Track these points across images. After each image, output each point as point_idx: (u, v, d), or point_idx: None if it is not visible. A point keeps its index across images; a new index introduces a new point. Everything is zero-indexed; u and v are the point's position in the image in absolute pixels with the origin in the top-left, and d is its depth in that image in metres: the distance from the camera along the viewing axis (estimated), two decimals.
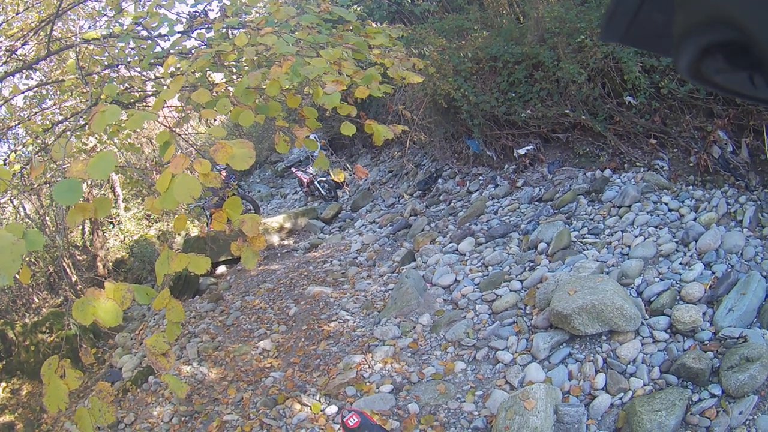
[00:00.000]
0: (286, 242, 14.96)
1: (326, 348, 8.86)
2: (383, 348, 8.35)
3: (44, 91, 9.53)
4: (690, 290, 7.13)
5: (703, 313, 6.85)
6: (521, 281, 8.83)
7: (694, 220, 8.43)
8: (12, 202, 14.02)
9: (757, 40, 0.82)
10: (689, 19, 0.90)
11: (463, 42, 12.69)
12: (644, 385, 6.34)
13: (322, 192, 17.50)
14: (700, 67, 0.93)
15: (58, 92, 9.17)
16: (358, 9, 12.72)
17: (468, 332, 8.18)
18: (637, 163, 10.02)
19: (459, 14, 13.54)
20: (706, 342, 6.56)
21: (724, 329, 6.55)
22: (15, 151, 10.45)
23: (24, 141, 10.90)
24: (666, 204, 8.97)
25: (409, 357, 8.13)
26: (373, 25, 7.59)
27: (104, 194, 18.22)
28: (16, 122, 9.64)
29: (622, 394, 6.31)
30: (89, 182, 14.56)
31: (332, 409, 7.43)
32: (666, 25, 0.98)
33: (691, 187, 9.15)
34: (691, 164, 9.37)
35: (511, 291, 8.68)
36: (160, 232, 18.62)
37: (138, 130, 9.55)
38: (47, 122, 9.28)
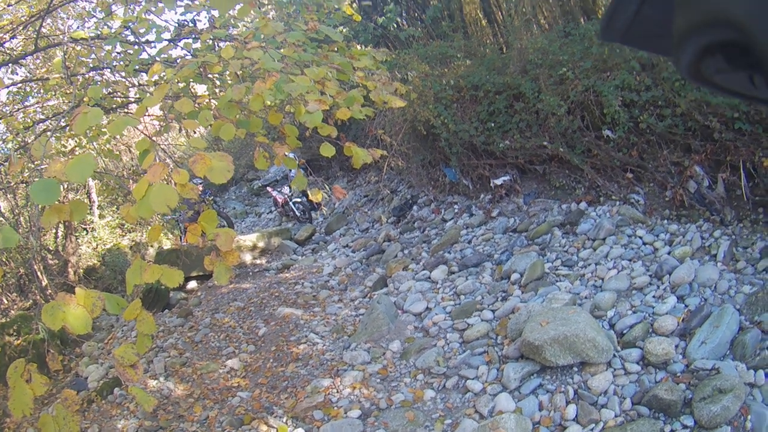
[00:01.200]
0: (258, 261, 14.89)
1: (295, 370, 8.78)
2: (352, 373, 8.29)
3: (28, 88, 9.46)
4: (663, 323, 7.15)
5: (676, 346, 6.87)
6: (493, 311, 8.82)
7: (669, 253, 8.50)
8: None
9: (757, 40, 0.81)
10: (689, 19, 0.90)
11: (446, 69, 12.78)
12: (615, 416, 6.32)
13: (297, 213, 17.49)
14: (700, 67, 0.92)
15: (42, 90, 9.12)
16: (345, 30, 12.79)
17: (438, 360, 8.14)
18: (613, 197, 10.10)
19: (443, 41, 13.64)
20: (678, 374, 6.57)
21: (696, 361, 6.57)
22: None
23: (3, 137, 10.80)
24: (640, 237, 9.04)
25: (378, 383, 8.08)
26: (358, 47, 7.62)
27: (80, 198, 18.05)
28: None
29: (593, 425, 6.28)
30: (65, 186, 14.45)
31: None
32: (666, 26, 0.97)
33: (666, 221, 9.23)
34: (666, 199, 9.46)
35: (482, 320, 8.66)
36: (133, 243, 18.47)
37: (118, 136, 9.51)
38: (29, 120, 9.21)
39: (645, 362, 6.85)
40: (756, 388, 6.18)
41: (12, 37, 8.47)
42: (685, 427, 5.97)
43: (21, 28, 8.35)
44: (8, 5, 8.93)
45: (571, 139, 10.49)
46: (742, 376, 6.27)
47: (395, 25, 14.82)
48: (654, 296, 7.83)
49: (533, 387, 7.04)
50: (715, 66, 0.90)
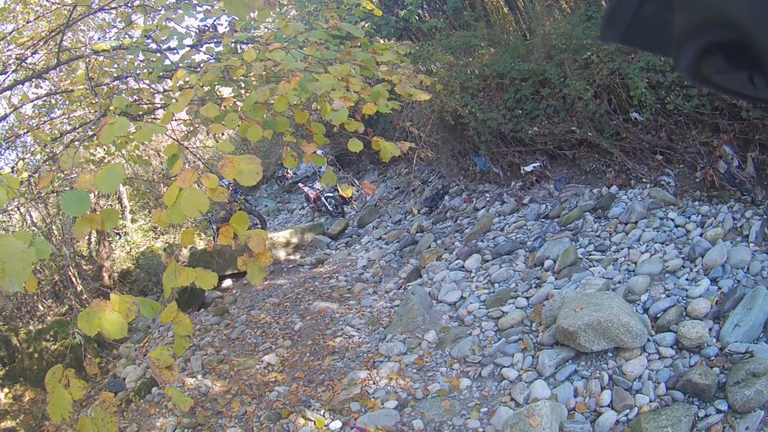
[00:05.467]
0: (292, 257, 14.97)
1: (331, 363, 8.84)
2: (388, 364, 8.33)
3: (53, 101, 9.57)
4: (696, 306, 7.11)
5: (710, 329, 6.83)
6: (527, 298, 8.81)
7: (701, 235, 8.43)
8: (19, 209, 14.08)
9: (756, 40, 0.82)
10: (689, 19, 0.91)
11: (470, 59, 12.75)
12: (650, 401, 6.31)
13: (329, 208, 17.52)
14: (700, 67, 0.93)
15: (67, 102, 9.22)
16: (366, 25, 12.77)
17: (473, 349, 8.15)
18: (644, 180, 10.04)
19: (466, 31, 13.58)
20: (712, 358, 6.53)
21: (730, 345, 6.52)
22: (23, 159, 10.50)
23: (32, 149, 10.95)
24: (672, 220, 8.98)
25: (414, 373, 8.11)
26: (381, 41, 7.62)
27: (111, 205, 18.26)
28: (25, 130, 9.70)
29: (628, 410, 6.28)
30: (96, 193, 14.62)
31: (336, 424, 7.40)
32: (666, 26, 0.98)
33: (697, 202, 9.16)
34: (697, 180, 9.38)
35: (517, 308, 8.66)
36: (167, 245, 18.67)
37: (146, 142, 9.59)
38: (56, 131, 9.33)
39: (679, 346, 6.82)
40: None
41: (34, 53, 8.57)
42: (719, 411, 5.94)
43: (42, 43, 8.45)
44: (28, 22, 9.04)
45: (599, 122, 10.44)
46: None
47: (417, 18, 14.77)
48: (687, 279, 7.78)
49: (568, 373, 7.03)
50: (715, 66, 0.92)
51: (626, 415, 6.26)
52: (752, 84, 0.90)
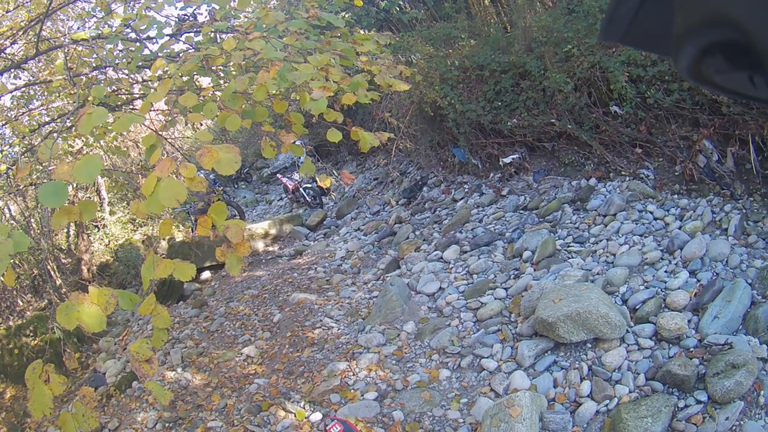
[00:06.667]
0: (270, 248, 14.92)
1: (311, 355, 8.82)
2: (368, 355, 8.32)
3: (32, 92, 9.47)
4: (675, 298, 7.16)
5: (689, 321, 6.88)
6: (506, 289, 8.84)
7: (679, 228, 8.48)
8: None
9: (756, 40, 0.81)
10: (689, 19, 0.89)
11: (451, 50, 12.74)
12: (630, 392, 6.35)
13: (308, 199, 17.48)
14: (700, 67, 0.92)
15: (46, 93, 9.13)
16: (347, 16, 12.72)
17: (453, 340, 8.17)
18: (623, 172, 10.08)
19: (447, 23, 13.59)
20: (691, 349, 6.58)
21: (709, 336, 6.58)
22: (1, 151, 10.39)
23: (10, 141, 10.83)
24: (651, 213, 9.03)
25: (393, 364, 8.11)
26: (361, 32, 7.60)
27: (89, 197, 18.11)
28: (3, 122, 9.58)
29: (608, 401, 6.32)
30: (75, 185, 14.50)
31: (317, 416, 7.39)
32: (666, 26, 0.97)
33: (676, 195, 9.21)
34: (676, 173, 9.43)
35: (495, 299, 8.68)
36: (145, 237, 18.54)
37: (124, 133, 9.49)
38: (34, 123, 9.23)
39: (658, 337, 6.87)
40: None
41: (13, 43, 8.48)
42: (698, 402, 5.99)
43: (21, 33, 8.35)
44: (7, 11, 8.94)
45: (579, 115, 10.47)
46: (754, 350, 6.28)
47: (398, 8, 14.75)
48: (666, 271, 7.83)
49: (548, 364, 7.07)
50: (715, 66, 0.90)
51: (606, 406, 6.30)
52: (752, 84, 0.89)
